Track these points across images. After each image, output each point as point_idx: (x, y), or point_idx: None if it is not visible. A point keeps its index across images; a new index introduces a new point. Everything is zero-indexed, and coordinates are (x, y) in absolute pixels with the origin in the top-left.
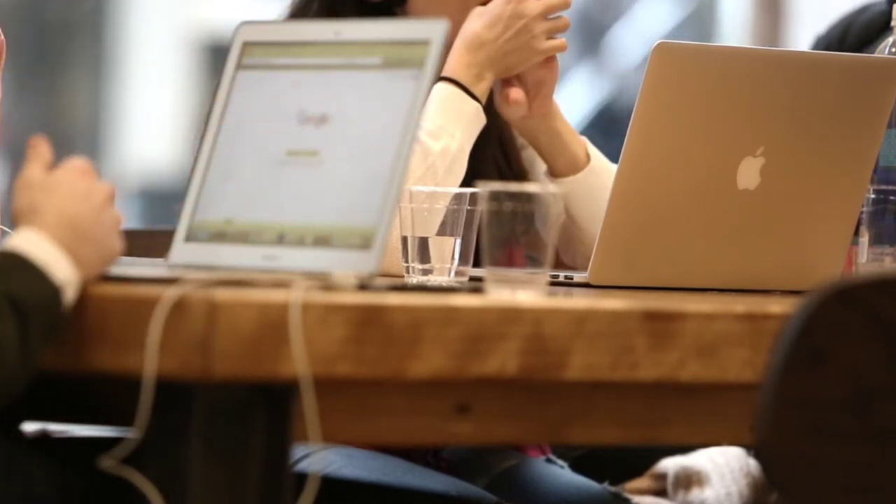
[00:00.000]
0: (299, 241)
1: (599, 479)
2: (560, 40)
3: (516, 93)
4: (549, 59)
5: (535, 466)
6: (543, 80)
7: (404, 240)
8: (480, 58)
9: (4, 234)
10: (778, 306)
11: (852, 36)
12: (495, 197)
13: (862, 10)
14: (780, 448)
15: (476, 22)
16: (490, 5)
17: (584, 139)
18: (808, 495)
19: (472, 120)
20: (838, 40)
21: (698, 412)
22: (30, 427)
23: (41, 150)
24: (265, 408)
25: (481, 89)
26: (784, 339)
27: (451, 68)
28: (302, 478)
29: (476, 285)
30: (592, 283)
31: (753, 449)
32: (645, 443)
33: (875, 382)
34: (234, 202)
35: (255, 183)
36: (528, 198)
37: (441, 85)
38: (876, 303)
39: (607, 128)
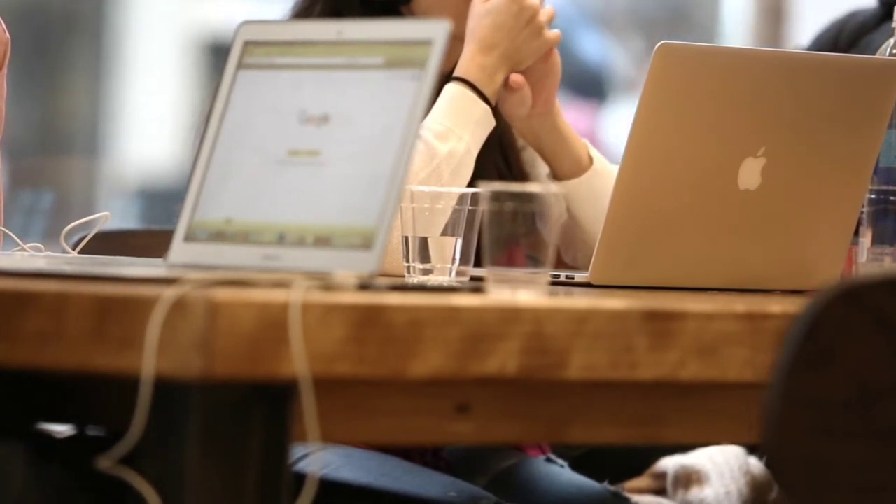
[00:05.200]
0: (300, 241)
1: (599, 479)
2: (558, 31)
3: (516, 76)
4: (549, 53)
5: (535, 466)
6: (545, 75)
7: (405, 240)
8: (495, 57)
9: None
10: (778, 306)
11: (843, 41)
12: (496, 197)
13: (851, 15)
14: (786, 448)
15: (484, 21)
16: (493, 1)
17: (586, 141)
18: (815, 495)
19: (480, 122)
20: (831, 45)
21: (698, 412)
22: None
23: None
24: (264, 408)
25: (492, 89)
26: (791, 339)
27: (464, 69)
28: (300, 478)
29: (476, 285)
30: (593, 282)
31: (760, 449)
32: (644, 442)
33: (882, 383)
34: (234, 202)
35: (256, 182)
36: (530, 198)
37: (452, 85)
38: (883, 303)
39: None
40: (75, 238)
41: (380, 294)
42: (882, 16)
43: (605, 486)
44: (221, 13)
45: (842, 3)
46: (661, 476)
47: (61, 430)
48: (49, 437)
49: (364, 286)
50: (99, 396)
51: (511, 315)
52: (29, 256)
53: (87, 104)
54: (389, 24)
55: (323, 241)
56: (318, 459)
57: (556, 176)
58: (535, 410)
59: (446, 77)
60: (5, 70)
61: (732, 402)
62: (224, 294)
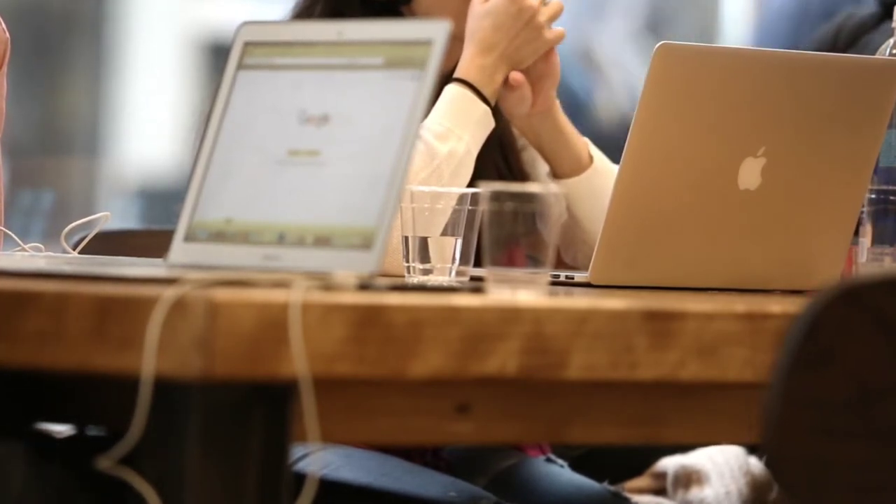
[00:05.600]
0: (299, 241)
1: (599, 479)
2: (561, 29)
3: (516, 74)
4: (548, 52)
5: (535, 466)
6: (544, 74)
7: (405, 240)
8: (493, 58)
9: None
10: (778, 306)
11: (842, 41)
12: (497, 197)
13: (849, 16)
14: (786, 448)
15: (483, 22)
16: (492, 2)
17: (587, 140)
18: (815, 496)
19: (480, 123)
20: (829, 45)
21: (698, 412)
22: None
23: None
24: (264, 408)
25: (492, 90)
26: (791, 339)
27: (464, 69)
28: (300, 478)
29: (476, 285)
30: (593, 282)
31: (760, 449)
32: (645, 442)
33: (882, 383)
34: (234, 202)
35: (256, 182)
36: (530, 198)
37: (452, 86)
38: (883, 303)
39: None
40: (75, 238)
41: (380, 294)
42: (880, 16)
43: (605, 486)
44: (221, 13)
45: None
46: (661, 476)
47: (61, 430)
48: (49, 437)
49: (364, 286)
50: (99, 396)
51: (511, 315)
52: (29, 256)
53: (87, 104)
54: (389, 24)
55: (323, 241)
56: (318, 459)
57: (556, 174)
58: (535, 410)
59: (446, 77)
60: (5, 69)
61: (732, 402)
62: (224, 294)
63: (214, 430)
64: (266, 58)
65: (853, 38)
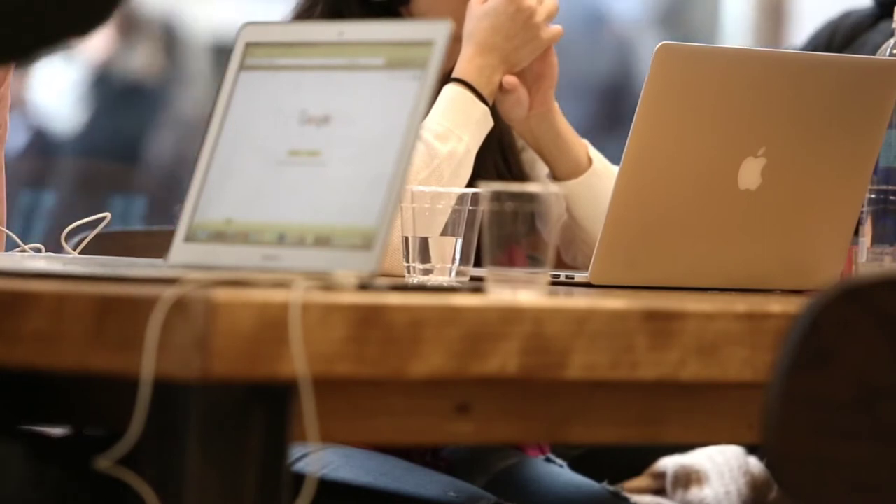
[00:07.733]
0: (300, 241)
1: (598, 479)
2: (558, 27)
3: (509, 77)
4: (546, 52)
5: (535, 466)
6: (542, 74)
7: (405, 240)
8: (493, 59)
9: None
10: (778, 306)
11: (838, 41)
12: (497, 197)
13: (846, 16)
14: (787, 448)
15: (482, 23)
16: (490, 3)
17: (586, 141)
18: (816, 495)
19: (479, 123)
20: (825, 45)
21: (698, 411)
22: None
23: None
24: (263, 408)
25: (490, 90)
26: (791, 338)
27: (462, 70)
28: (300, 478)
29: (476, 285)
30: (593, 282)
31: (760, 449)
32: (644, 442)
33: (882, 382)
34: (234, 202)
35: (256, 183)
36: (530, 198)
37: (451, 86)
38: (883, 302)
39: None
40: (75, 238)
41: (380, 294)
42: (878, 15)
43: (605, 485)
44: (223, 14)
45: (841, 3)
46: (661, 476)
47: (59, 430)
48: (47, 438)
49: (364, 286)
50: (98, 397)
51: (511, 315)
52: (29, 256)
53: None
54: (390, 24)
55: (323, 241)
56: (317, 459)
57: (555, 176)
58: (535, 410)
59: (444, 77)
60: (9, 80)
61: (732, 402)
62: (224, 294)
63: (214, 430)
64: (267, 58)
65: (849, 38)
